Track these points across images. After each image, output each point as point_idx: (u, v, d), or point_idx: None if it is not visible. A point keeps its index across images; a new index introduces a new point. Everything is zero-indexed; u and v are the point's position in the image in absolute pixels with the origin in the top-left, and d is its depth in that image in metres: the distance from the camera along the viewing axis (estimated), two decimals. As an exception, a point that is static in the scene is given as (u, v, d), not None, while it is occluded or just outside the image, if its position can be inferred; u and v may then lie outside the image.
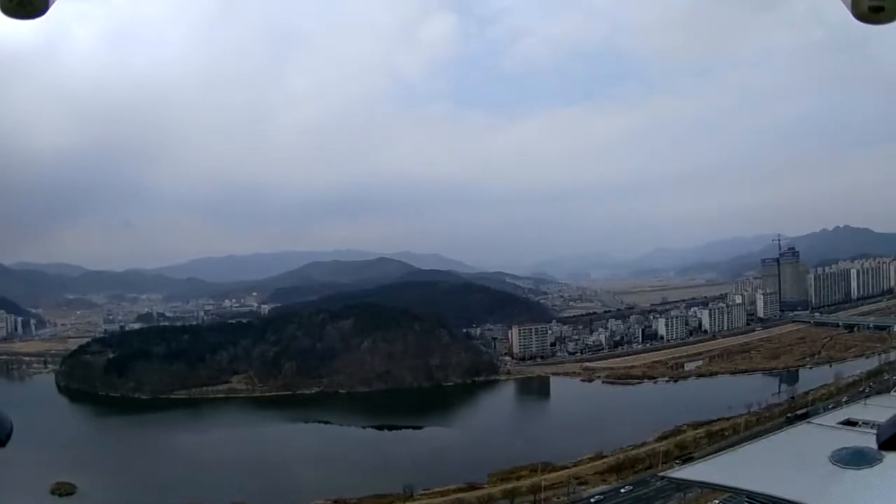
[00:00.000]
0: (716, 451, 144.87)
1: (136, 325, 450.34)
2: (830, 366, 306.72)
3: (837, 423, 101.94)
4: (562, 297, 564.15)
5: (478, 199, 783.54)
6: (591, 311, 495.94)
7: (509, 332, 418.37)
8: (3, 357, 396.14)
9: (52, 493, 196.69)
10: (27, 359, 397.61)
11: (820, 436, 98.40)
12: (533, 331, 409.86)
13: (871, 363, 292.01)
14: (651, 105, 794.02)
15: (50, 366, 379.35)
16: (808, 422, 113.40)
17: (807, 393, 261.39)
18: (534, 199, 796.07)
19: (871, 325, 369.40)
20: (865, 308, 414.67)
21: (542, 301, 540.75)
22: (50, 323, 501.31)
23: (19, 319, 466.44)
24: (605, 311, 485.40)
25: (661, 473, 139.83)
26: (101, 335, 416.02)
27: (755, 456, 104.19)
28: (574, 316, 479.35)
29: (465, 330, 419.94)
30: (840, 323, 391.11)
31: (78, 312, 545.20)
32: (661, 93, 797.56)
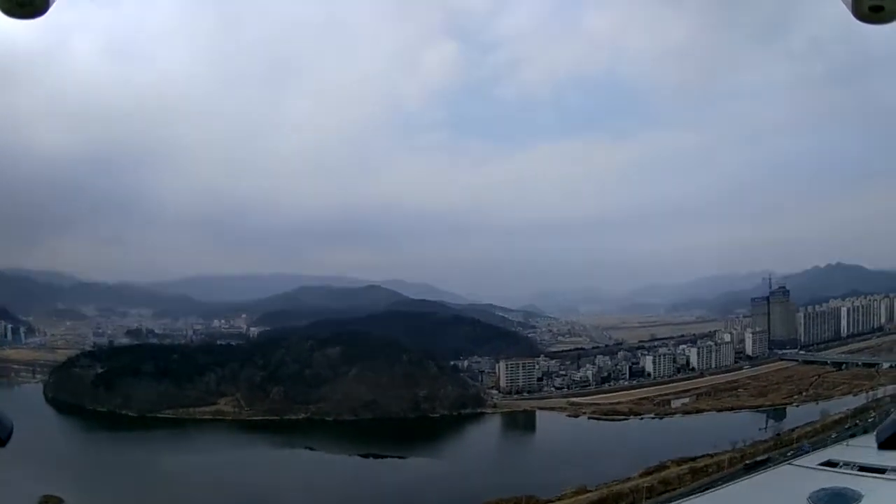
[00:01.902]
0: (699, 488, 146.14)
1: (125, 341, 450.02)
2: (817, 403, 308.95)
3: (818, 465, 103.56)
4: (550, 331, 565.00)
5: (471, 229, 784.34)
6: (579, 347, 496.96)
7: (497, 365, 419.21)
8: None
9: None
10: (16, 366, 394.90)
11: (800, 477, 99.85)
12: (520, 365, 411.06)
13: (859, 400, 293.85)
14: (647, 137, 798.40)
15: (38, 375, 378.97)
16: (790, 463, 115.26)
17: (792, 430, 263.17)
18: (528, 232, 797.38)
19: (859, 363, 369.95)
20: (855, 346, 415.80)
21: (530, 335, 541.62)
22: (40, 332, 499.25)
23: (9, 326, 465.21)
24: (594, 347, 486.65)
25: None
26: (91, 348, 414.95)
27: (734, 497, 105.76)
28: (562, 351, 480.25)
29: (452, 362, 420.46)
30: (828, 361, 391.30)
31: (68, 323, 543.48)
32: (658, 125, 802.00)
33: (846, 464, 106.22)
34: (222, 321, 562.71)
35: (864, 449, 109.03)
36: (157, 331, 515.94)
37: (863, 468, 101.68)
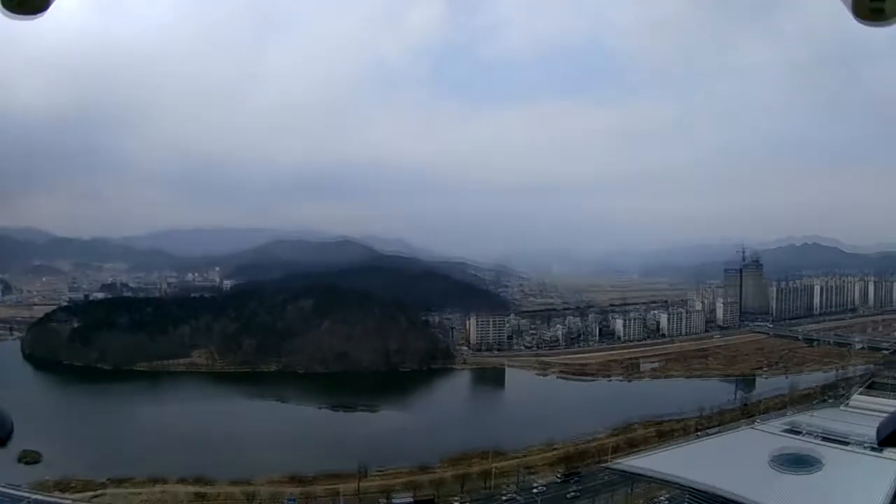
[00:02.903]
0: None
1: (101, 295, 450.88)
2: (787, 376, 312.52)
3: (781, 430, 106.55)
4: (522, 290, 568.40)
5: (447, 187, 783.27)
6: (550, 306, 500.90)
7: (467, 321, 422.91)
8: None
9: (19, 461, 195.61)
10: None
11: (762, 439, 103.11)
12: (491, 321, 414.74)
13: (828, 377, 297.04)
14: (629, 105, 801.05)
15: (16, 332, 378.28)
16: (753, 427, 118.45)
17: (759, 401, 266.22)
18: (503, 191, 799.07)
19: (831, 341, 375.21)
20: (828, 324, 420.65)
21: (502, 293, 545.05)
22: (16, 289, 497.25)
23: None
24: (565, 307, 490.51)
25: (606, 465, 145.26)
26: (67, 303, 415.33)
27: (698, 453, 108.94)
28: (533, 310, 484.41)
29: (423, 317, 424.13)
30: (800, 336, 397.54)
31: (44, 279, 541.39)
32: (641, 94, 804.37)
33: (809, 431, 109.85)
34: (196, 274, 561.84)
35: (828, 419, 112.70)
36: (131, 284, 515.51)
37: (825, 437, 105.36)
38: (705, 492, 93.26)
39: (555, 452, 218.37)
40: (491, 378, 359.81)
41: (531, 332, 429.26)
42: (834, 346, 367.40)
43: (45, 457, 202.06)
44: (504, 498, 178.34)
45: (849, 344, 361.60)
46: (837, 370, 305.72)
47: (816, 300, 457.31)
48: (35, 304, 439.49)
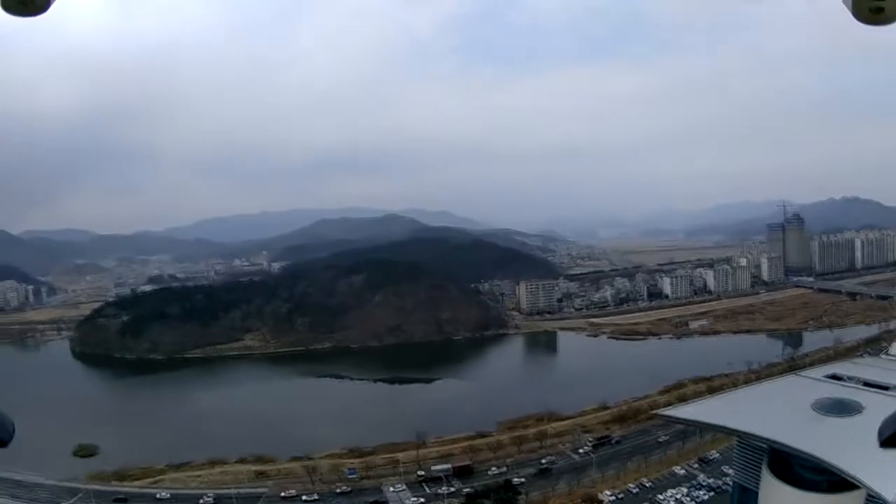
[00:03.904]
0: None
1: (148, 288, 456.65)
2: (831, 331, 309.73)
3: (823, 377, 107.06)
4: (569, 254, 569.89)
5: (487, 155, 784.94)
6: (597, 269, 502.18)
7: (517, 287, 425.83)
8: (17, 326, 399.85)
9: (75, 454, 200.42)
10: (41, 326, 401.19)
11: (805, 386, 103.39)
12: (540, 287, 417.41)
13: (871, 331, 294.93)
14: (665, 64, 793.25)
15: (64, 332, 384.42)
16: (796, 374, 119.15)
17: (805, 355, 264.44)
18: (544, 157, 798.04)
19: (873, 295, 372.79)
20: (869, 278, 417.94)
21: (549, 258, 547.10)
22: (61, 290, 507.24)
23: (30, 288, 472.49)
24: (612, 270, 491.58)
25: (654, 412, 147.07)
26: (113, 299, 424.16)
27: (741, 400, 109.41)
28: (581, 273, 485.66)
29: (473, 285, 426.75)
30: (843, 290, 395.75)
31: (88, 278, 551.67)
32: (675, 52, 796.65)
33: (850, 378, 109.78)
34: (242, 260, 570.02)
35: (869, 367, 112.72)
36: (178, 275, 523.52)
37: (867, 383, 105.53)
38: (748, 434, 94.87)
39: (608, 412, 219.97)
40: (543, 342, 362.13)
41: (580, 295, 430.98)
42: (876, 300, 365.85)
43: (101, 449, 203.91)
44: (543, 462, 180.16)
45: (890, 297, 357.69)
46: (880, 323, 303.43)
47: (858, 254, 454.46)
48: (81, 303, 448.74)
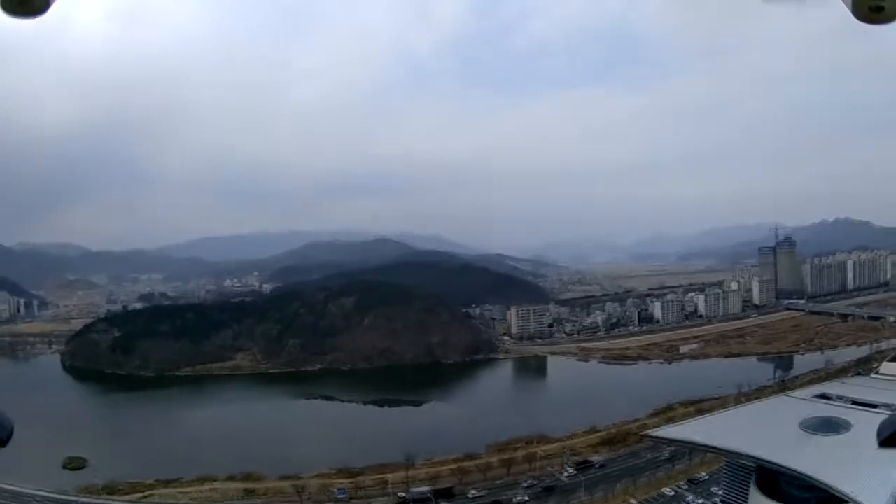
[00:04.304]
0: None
1: (139, 305, 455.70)
2: (822, 352, 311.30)
3: (812, 397, 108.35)
4: (560, 279, 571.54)
5: (480, 180, 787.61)
6: (588, 294, 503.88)
7: (508, 312, 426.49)
8: (8, 339, 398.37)
9: (65, 467, 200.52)
10: (31, 339, 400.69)
11: (793, 406, 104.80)
12: (531, 311, 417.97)
13: (863, 352, 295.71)
14: (660, 88, 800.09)
15: (54, 346, 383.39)
16: (785, 394, 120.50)
17: (796, 377, 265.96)
18: (538, 182, 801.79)
19: (864, 316, 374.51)
20: (861, 299, 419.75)
21: (540, 283, 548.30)
22: (52, 304, 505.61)
23: (22, 301, 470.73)
24: (603, 295, 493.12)
25: (644, 433, 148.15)
26: (105, 315, 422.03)
27: (731, 420, 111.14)
28: (572, 298, 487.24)
29: (464, 310, 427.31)
30: (834, 312, 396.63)
31: (80, 293, 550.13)
32: (670, 75, 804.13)
33: (839, 397, 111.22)
34: (234, 280, 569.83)
35: (858, 386, 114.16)
36: (169, 293, 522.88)
37: (855, 402, 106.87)
38: (736, 453, 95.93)
39: (597, 435, 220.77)
40: (533, 367, 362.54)
41: (571, 320, 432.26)
42: (868, 321, 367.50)
43: (91, 462, 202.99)
44: (525, 485, 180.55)
45: (882, 318, 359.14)
46: (871, 344, 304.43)
47: (849, 276, 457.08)
48: (72, 318, 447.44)
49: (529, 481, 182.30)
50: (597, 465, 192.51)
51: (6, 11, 8.49)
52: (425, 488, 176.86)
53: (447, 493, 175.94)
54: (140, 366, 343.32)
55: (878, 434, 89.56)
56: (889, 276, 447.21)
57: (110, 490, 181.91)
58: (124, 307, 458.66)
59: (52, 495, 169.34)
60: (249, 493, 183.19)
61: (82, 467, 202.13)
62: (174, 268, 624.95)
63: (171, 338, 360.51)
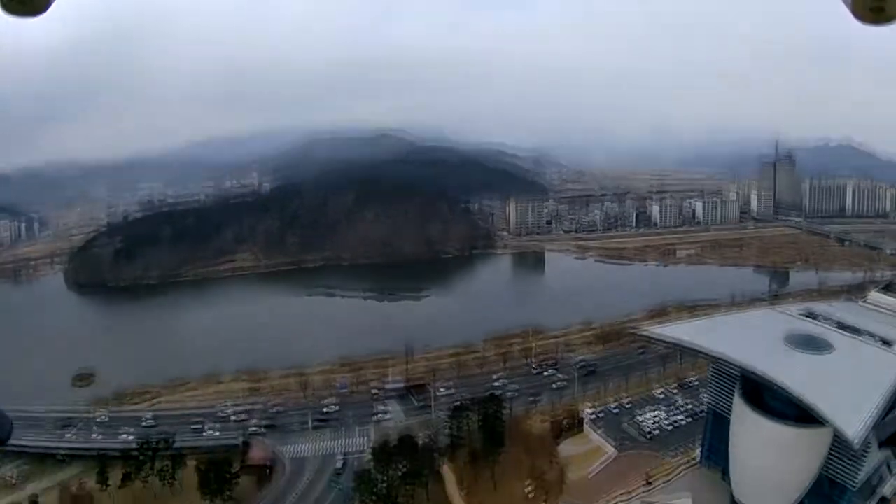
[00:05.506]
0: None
1: (139, 213, 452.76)
2: (817, 272, 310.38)
3: (799, 313, 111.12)
4: (560, 176, 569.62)
5: (482, 76, 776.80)
6: (587, 192, 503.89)
7: (507, 207, 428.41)
8: (10, 264, 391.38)
9: (74, 383, 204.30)
10: (34, 262, 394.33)
11: (780, 320, 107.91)
12: (530, 206, 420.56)
13: (857, 278, 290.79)
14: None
15: (57, 265, 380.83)
16: (773, 307, 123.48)
17: (789, 294, 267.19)
18: (540, 79, 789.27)
19: (861, 243, 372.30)
20: (859, 225, 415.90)
21: (540, 179, 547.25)
22: (52, 223, 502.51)
23: (22, 224, 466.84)
24: (602, 193, 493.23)
25: (634, 330, 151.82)
26: (105, 227, 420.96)
27: (717, 326, 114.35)
28: (571, 196, 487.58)
29: (463, 204, 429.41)
30: (831, 234, 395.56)
31: (79, 209, 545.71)
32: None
33: (825, 318, 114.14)
34: (233, 180, 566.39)
35: (845, 311, 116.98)
36: (169, 199, 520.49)
37: (840, 325, 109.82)
38: (720, 358, 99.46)
39: (592, 331, 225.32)
40: (531, 261, 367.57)
41: (569, 217, 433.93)
42: (864, 249, 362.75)
43: (99, 375, 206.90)
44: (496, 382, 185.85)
45: (879, 248, 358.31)
46: (866, 272, 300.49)
47: (848, 201, 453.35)
48: (73, 235, 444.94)
49: (501, 381, 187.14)
50: (555, 366, 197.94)
51: (6, 11, 8.47)
52: (399, 384, 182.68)
53: (420, 388, 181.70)
54: (143, 274, 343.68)
55: (878, 433, 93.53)
56: (889, 207, 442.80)
57: (120, 400, 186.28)
58: (124, 217, 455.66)
59: (63, 413, 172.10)
60: (254, 390, 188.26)
61: (91, 381, 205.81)
62: (174, 172, 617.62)
63: (173, 243, 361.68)
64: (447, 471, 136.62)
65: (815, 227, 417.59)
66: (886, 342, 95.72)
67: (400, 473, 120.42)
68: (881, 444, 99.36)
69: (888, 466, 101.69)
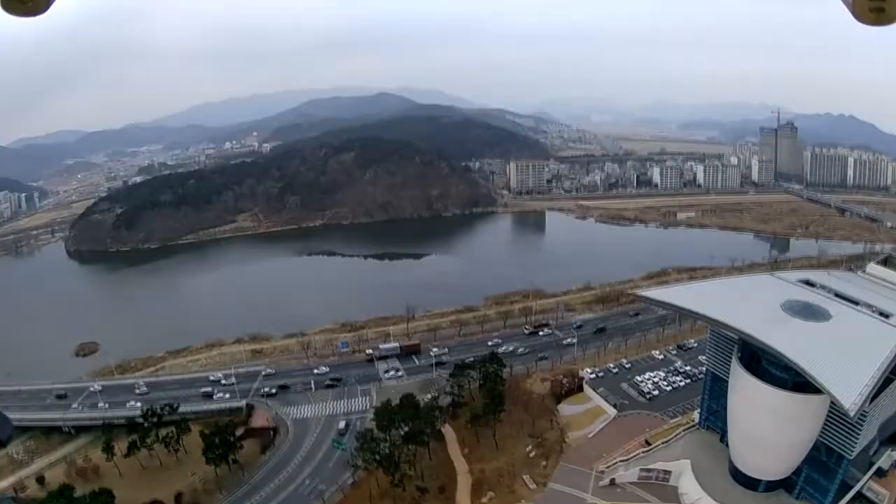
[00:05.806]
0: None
1: (139, 179, 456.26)
2: (817, 241, 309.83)
3: (797, 281, 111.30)
4: (561, 137, 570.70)
5: (483, 35, 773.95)
6: (589, 153, 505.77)
7: (507, 166, 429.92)
8: (11, 236, 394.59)
9: (77, 354, 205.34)
10: (35, 232, 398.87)
11: (778, 286, 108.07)
12: (531, 166, 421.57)
13: (857, 249, 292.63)
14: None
15: (58, 234, 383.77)
16: (771, 273, 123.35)
17: (789, 261, 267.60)
18: (542, 38, 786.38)
19: (862, 214, 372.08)
20: (859, 197, 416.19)
21: (541, 139, 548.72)
22: (52, 192, 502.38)
23: (22, 196, 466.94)
24: (603, 155, 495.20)
25: (631, 291, 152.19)
26: (105, 194, 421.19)
27: (716, 290, 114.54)
28: (572, 156, 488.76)
29: (464, 163, 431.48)
30: (832, 204, 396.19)
31: (79, 176, 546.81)
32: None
33: (823, 287, 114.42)
34: (234, 143, 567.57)
35: (843, 280, 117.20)
36: (169, 162, 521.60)
37: (838, 294, 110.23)
38: (717, 322, 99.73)
39: (592, 293, 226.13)
40: (531, 221, 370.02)
41: (570, 177, 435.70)
42: (865, 220, 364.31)
43: (102, 345, 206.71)
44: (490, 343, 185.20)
45: (879, 221, 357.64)
46: (866, 244, 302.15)
47: (850, 172, 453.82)
48: (73, 203, 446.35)
49: (494, 342, 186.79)
50: (548, 332, 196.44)
51: (7, 10, 8.65)
52: (394, 345, 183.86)
53: (414, 350, 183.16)
54: (144, 239, 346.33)
55: (880, 432, 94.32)
56: (889, 180, 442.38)
57: (123, 369, 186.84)
58: (125, 182, 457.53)
59: (67, 386, 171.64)
60: (257, 353, 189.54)
61: (95, 351, 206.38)
62: (173, 137, 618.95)
63: (173, 207, 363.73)
64: (449, 430, 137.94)
65: (815, 197, 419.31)
66: (884, 314, 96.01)
67: (402, 433, 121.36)
68: (883, 442, 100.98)
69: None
